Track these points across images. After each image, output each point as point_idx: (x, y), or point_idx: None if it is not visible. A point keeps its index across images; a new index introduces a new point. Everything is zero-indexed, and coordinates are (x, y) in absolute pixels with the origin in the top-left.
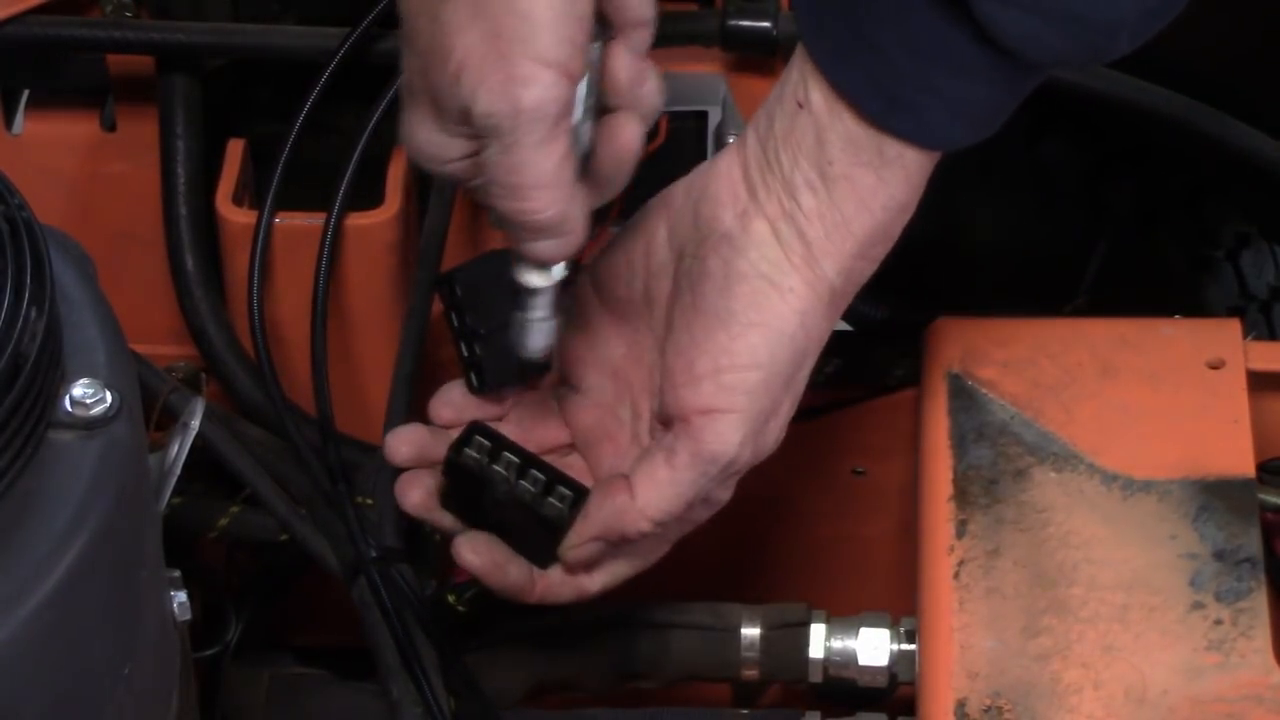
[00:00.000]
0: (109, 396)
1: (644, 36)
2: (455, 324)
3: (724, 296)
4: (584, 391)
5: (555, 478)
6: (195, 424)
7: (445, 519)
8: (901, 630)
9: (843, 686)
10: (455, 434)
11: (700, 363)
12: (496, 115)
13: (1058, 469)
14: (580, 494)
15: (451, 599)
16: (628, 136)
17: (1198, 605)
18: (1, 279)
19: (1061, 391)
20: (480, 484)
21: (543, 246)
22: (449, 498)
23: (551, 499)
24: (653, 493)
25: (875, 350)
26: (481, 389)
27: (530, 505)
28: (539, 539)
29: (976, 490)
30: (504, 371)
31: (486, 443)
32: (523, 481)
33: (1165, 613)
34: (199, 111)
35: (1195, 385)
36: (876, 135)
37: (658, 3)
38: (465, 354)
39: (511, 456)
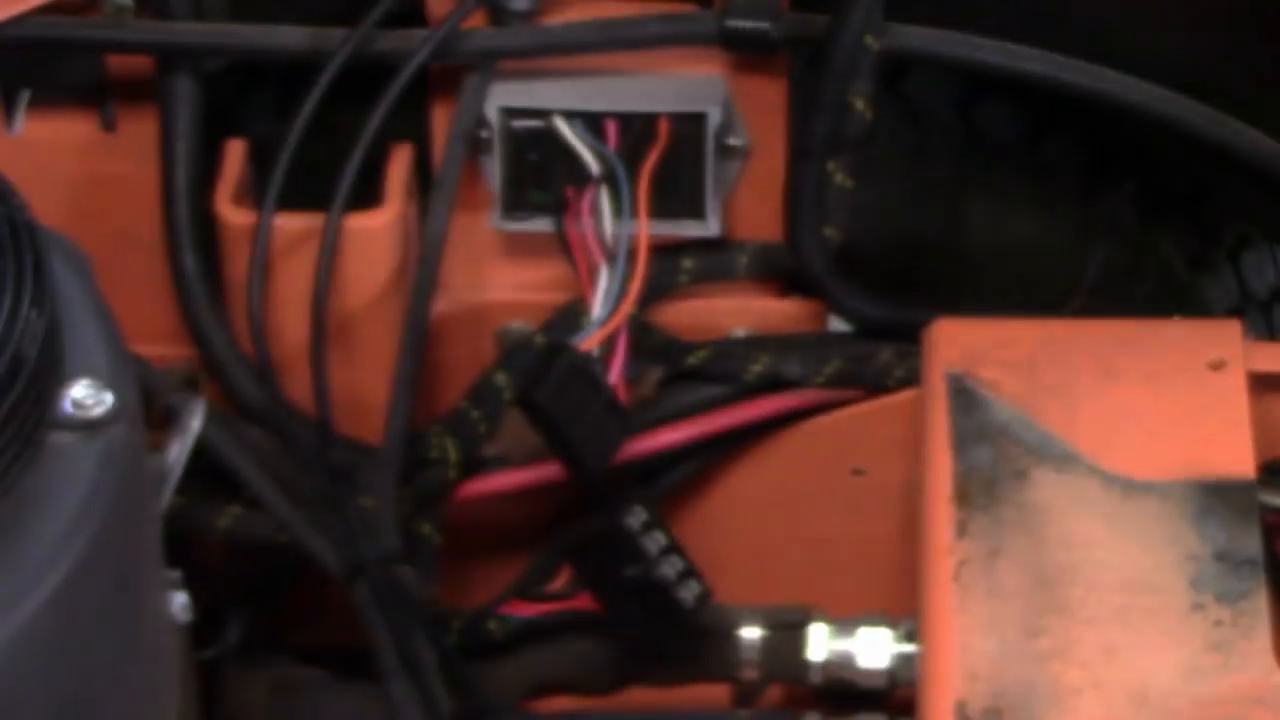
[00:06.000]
0: (108, 398)
1: None
2: (548, 438)
3: None
4: None
5: (690, 570)
6: (196, 425)
7: None
8: (901, 631)
9: (842, 688)
10: None
11: None
12: None
13: (1058, 470)
14: (706, 593)
15: (492, 625)
16: None
17: (1198, 606)
18: (1, 280)
19: (1062, 392)
20: (625, 551)
21: None
22: (580, 549)
23: (684, 590)
24: None
25: (875, 351)
26: (586, 477)
27: (665, 588)
28: (651, 618)
29: (977, 491)
30: (602, 454)
31: (645, 515)
32: (664, 562)
33: (1166, 614)
34: (199, 112)
35: (1196, 386)
36: None
37: (655, 2)
38: (565, 458)
39: (661, 535)
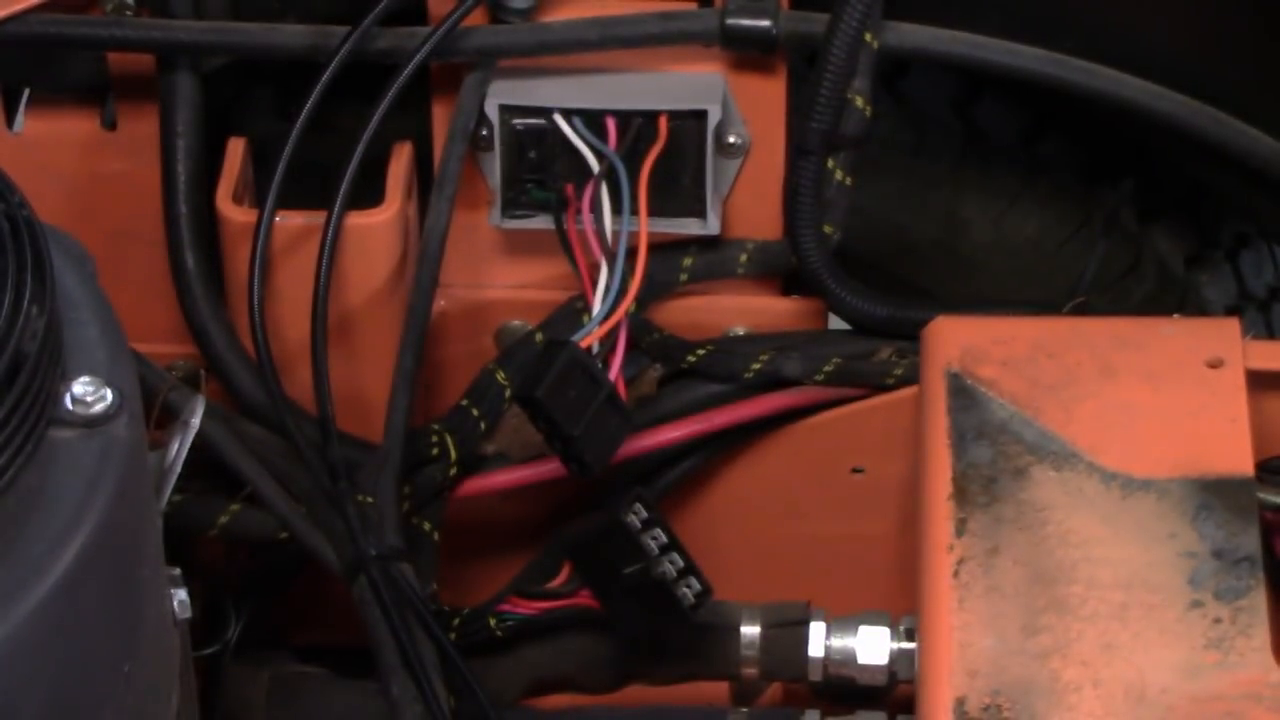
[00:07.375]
0: (109, 394)
1: None
2: (548, 435)
3: None
4: None
5: (691, 567)
6: (196, 422)
7: None
8: (901, 629)
9: (842, 685)
10: None
11: None
12: None
13: (1057, 468)
14: (706, 591)
15: (492, 622)
16: None
17: (1197, 604)
18: (2, 277)
19: (1061, 390)
20: (625, 548)
21: None
22: (581, 546)
23: (684, 587)
24: None
25: (874, 349)
26: (586, 474)
27: (666, 585)
28: (651, 616)
29: (976, 489)
30: (602, 451)
31: (645, 512)
32: (665, 560)
33: (1164, 611)
34: (200, 110)
35: (1194, 384)
36: None
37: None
38: (565, 455)
39: (661, 533)
